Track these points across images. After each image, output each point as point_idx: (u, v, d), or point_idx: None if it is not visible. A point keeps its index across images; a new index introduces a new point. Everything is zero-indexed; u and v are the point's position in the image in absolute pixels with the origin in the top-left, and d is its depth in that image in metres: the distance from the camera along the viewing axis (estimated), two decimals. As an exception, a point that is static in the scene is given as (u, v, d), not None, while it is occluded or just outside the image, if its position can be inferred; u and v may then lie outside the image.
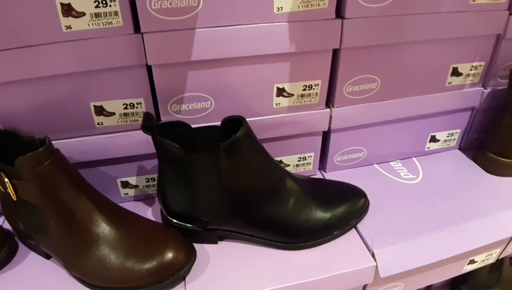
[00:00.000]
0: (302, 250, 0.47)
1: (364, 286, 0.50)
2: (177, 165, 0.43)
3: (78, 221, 0.42)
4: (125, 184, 0.52)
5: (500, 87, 0.56)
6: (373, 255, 0.46)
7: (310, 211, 0.46)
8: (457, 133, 0.61)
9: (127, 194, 0.53)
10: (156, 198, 0.55)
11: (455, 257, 0.54)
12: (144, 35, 0.40)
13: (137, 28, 0.41)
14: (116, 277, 0.42)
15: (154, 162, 0.51)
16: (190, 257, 0.44)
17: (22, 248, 0.49)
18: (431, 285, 0.79)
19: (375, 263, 0.46)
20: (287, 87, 0.47)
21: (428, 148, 0.61)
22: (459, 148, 0.63)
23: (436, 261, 0.48)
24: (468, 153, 0.62)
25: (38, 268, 0.47)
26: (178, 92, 0.45)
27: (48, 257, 0.48)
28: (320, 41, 0.45)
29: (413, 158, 0.60)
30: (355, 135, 0.55)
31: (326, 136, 0.54)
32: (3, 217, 0.52)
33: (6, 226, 0.50)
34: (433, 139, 0.60)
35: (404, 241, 0.47)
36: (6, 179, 0.41)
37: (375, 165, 0.59)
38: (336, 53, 0.47)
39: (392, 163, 0.59)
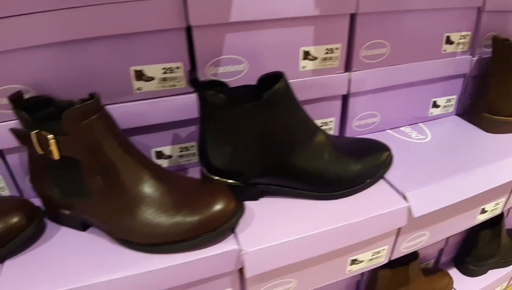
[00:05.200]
0: (339, 199, 0.48)
1: (398, 233, 0.52)
2: (219, 118, 0.43)
3: (123, 179, 0.40)
4: (160, 155, 0.51)
5: (485, 56, 0.62)
6: (404, 198, 0.48)
7: (343, 162, 0.47)
8: (453, 99, 0.65)
9: (161, 165, 0.52)
10: (189, 169, 0.54)
11: (469, 206, 0.57)
12: (188, -4, 0.42)
13: (178, -9, 0.43)
14: (166, 232, 0.40)
15: (190, 129, 0.51)
16: (240, 206, 0.43)
17: (50, 226, 0.46)
18: (440, 256, 0.81)
19: (408, 204, 0.47)
20: (312, 50, 0.50)
21: (431, 113, 0.65)
22: (456, 114, 0.68)
23: (461, 201, 0.50)
24: (464, 117, 0.67)
25: (73, 241, 0.44)
26: (216, 54, 0.46)
27: (84, 228, 0.45)
28: (340, 5, 0.48)
29: (419, 123, 0.64)
30: (370, 100, 0.57)
31: (345, 100, 0.56)
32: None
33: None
34: (435, 105, 0.64)
35: (430, 184, 0.49)
36: (50, 136, 0.38)
37: (388, 130, 0.62)
38: (353, 18, 0.51)
39: (401, 128, 0.63)
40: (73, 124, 0.38)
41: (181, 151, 0.52)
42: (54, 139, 0.39)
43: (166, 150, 0.51)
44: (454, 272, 0.82)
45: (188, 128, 0.51)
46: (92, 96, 0.40)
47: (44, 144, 0.39)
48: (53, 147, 0.39)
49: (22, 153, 0.47)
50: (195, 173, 0.53)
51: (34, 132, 0.39)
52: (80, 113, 0.38)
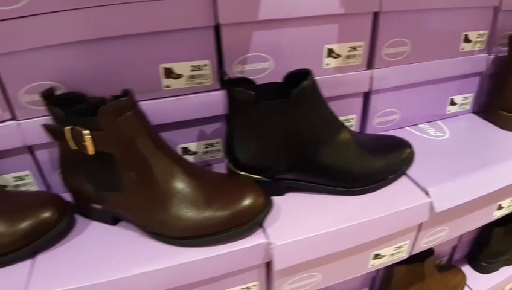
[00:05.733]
0: (363, 194, 0.49)
1: (419, 229, 0.53)
2: (247, 114, 0.44)
3: (156, 174, 0.42)
4: (185, 151, 0.52)
5: (502, 54, 0.64)
6: (427, 193, 0.50)
7: (367, 158, 0.48)
8: (470, 96, 0.67)
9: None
10: (214, 165, 0.55)
11: (487, 202, 0.59)
12: (217, -5, 0.44)
13: (208, -10, 0.44)
14: (197, 226, 0.41)
15: (215, 126, 0.52)
16: (268, 201, 0.44)
17: (79, 221, 0.48)
18: (453, 253, 0.83)
19: (430, 200, 0.49)
20: (336, 48, 0.51)
21: (449, 111, 0.66)
22: (473, 112, 0.70)
23: (481, 196, 0.52)
24: (480, 115, 0.68)
25: (104, 235, 0.45)
26: (243, 52, 0.48)
27: (114, 222, 0.47)
28: (363, 4, 0.50)
29: (437, 121, 0.66)
30: (390, 97, 0.59)
31: (366, 97, 0.58)
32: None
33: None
34: (452, 103, 0.65)
35: (450, 180, 0.51)
36: (85, 131, 0.39)
37: (407, 128, 0.64)
38: (376, 16, 0.52)
39: (420, 125, 0.64)
40: (109, 119, 0.39)
41: (206, 147, 0.53)
42: (89, 134, 0.40)
43: (192, 146, 0.53)
44: (466, 269, 0.83)
45: (214, 125, 0.52)
46: (126, 93, 0.41)
47: (78, 139, 0.40)
48: (88, 143, 0.40)
49: (51, 149, 0.48)
50: (219, 168, 0.54)
51: (68, 127, 0.40)
52: (115, 109, 0.39)
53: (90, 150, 0.40)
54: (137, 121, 0.41)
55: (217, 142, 0.54)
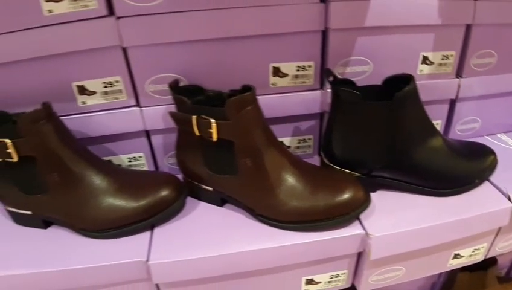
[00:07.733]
0: (451, 196, 0.54)
1: (497, 233, 0.58)
2: (349, 113, 0.50)
3: (267, 163, 0.48)
4: (279, 144, 0.60)
5: None
6: (509, 199, 0.54)
7: (457, 162, 0.54)
8: (546, 109, 0.72)
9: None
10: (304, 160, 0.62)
11: None
12: (331, 3, 0.49)
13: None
14: (301, 212, 0.48)
15: (309, 123, 0.58)
16: (368, 196, 0.49)
17: (189, 200, 0.54)
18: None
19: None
20: (430, 55, 0.57)
21: (524, 122, 0.71)
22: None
23: None
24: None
25: (213, 214, 0.52)
26: (346, 55, 0.54)
27: (222, 203, 0.53)
28: (458, 16, 0.55)
29: (513, 132, 0.71)
30: (474, 106, 0.64)
31: (452, 104, 0.63)
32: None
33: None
34: (528, 114, 0.71)
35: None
36: (212, 120, 0.46)
37: (486, 136, 0.68)
38: (468, 28, 0.57)
39: (498, 135, 0.69)
40: (234, 111, 0.45)
41: (299, 142, 0.60)
42: (216, 123, 0.47)
43: (286, 141, 0.59)
44: (524, 283, 0.87)
45: (308, 122, 0.59)
46: (248, 88, 0.48)
47: (204, 127, 0.47)
48: (214, 130, 0.47)
49: (166, 135, 0.55)
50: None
51: (195, 116, 0.47)
52: (240, 103, 0.45)
53: (215, 137, 0.47)
54: (256, 114, 0.48)
55: (309, 139, 0.60)
